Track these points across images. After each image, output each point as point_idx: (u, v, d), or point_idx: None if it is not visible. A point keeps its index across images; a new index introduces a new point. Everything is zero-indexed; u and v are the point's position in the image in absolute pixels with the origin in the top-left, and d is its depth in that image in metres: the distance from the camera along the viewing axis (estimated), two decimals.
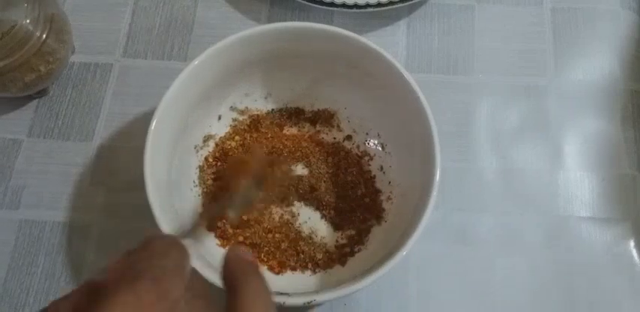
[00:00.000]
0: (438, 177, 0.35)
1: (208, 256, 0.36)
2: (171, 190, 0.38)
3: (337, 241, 0.41)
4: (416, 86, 0.37)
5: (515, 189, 0.43)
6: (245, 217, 0.40)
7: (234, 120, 0.44)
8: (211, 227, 0.40)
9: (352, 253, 0.40)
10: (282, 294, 0.33)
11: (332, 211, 0.42)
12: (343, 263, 0.40)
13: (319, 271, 0.39)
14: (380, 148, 0.44)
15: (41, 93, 0.46)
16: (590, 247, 0.42)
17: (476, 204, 0.43)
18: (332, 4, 0.46)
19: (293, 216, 0.42)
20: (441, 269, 0.41)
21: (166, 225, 0.33)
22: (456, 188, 0.43)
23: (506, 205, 0.43)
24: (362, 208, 0.42)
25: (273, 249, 0.40)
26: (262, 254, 0.40)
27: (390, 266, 0.32)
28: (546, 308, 0.40)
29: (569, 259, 0.41)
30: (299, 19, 0.49)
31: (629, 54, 0.48)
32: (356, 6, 0.46)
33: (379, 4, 0.46)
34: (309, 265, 0.39)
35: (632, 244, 0.42)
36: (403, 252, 0.33)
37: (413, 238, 0.33)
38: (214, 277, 0.32)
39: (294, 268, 0.39)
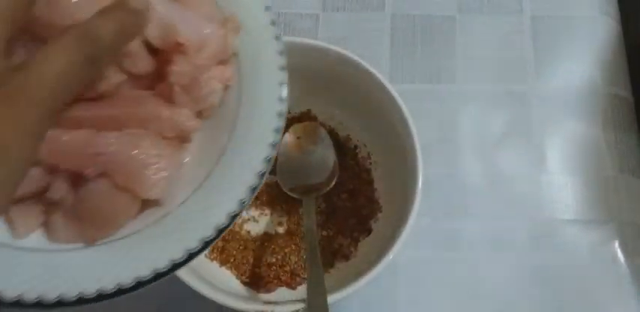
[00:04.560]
0: (420, 184, 0.36)
1: (198, 268, 0.37)
2: None
3: (326, 250, 0.42)
4: (397, 96, 0.38)
5: (500, 194, 0.44)
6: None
7: None
8: None
9: (341, 261, 0.41)
10: (270, 303, 0.34)
11: (320, 220, 0.42)
12: (332, 272, 0.41)
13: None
14: (366, 158, 0.44)
15: None
16: (575, 249, 0.42)
17: (462, 209, 0.44)
18: None
19: (278, 227, 0.42)
20: (429, 274, 0.42)
21: None
22: (442, 194, 0.44)
23: (492, 209, 0.44)
24: (350, 217, 0.42)
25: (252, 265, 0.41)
26: (243, 274, 0.41)
27: (375, 274, 0.33)
28: (534, 310, 0.41)
29: (555, 261, 0.42)
30: (284, 34, 0.50)
31: (608, 59, 0.49)
32: None
33: None
34: (297, 280, 0.40)
35: (616, 244, 0.43)
36: (389, 257, 0.34)
37: (397, 245, 0.34)
38: (205, 291, 0.33)
39: (279, 285, 0.40)
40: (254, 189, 0.24)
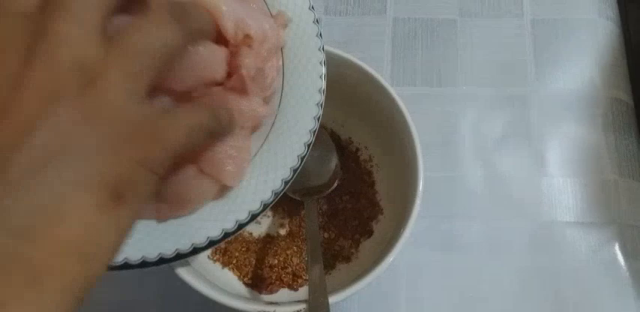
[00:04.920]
0: (421, 187, 0.36)
1: (201, 269, 0.37)
2: None
3: (327, 252, 0.42)
4: (398, 99, 0.39)
5: (500, 196, 0.45)
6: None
7: None
8: None
9: (342, 263, 0.41)
10: (271, 303, 0.34)
11: (321, 222, 0.43)
12: (333, 273, 0.41)
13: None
14: (367, 160, 0.45)
15: None
16: (575, 252, 0.43)
17: (462, 211, 0.44)
18: None
19: (279, 229, 0.43)
20: (429, 276, 0.42)
21: None
22: (442, 197, 0.44)
23: (492, 212, 0.44)
24: (351, 219, 0.43)
25: (254, 266, 0.41)
26: (245, 275, 0.41)
27: (376, 275, 0.33)
28: None
29: (555, 263, 0.42)
30: None
31: (608, 62, 0.49)
32: None
33: None
34: (299, 281, 0.40)
35: (616, 247, 0.43)
36: (389, 259, 0.34)
37: (397, 247, 0.34)
38: (208, 291, 0.33)
39: (281, 286, 0.40)
40: (295, 170, 0.28)
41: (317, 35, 0.30)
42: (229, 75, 0.26)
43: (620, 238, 0.43)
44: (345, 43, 0.50)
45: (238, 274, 0.41)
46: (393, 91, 0.39)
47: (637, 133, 0.48)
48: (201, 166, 0.25)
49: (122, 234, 0.19)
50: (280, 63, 0.29)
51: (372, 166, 0.45)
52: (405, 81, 0.49)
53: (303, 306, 0.33)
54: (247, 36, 0.26)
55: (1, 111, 0.17)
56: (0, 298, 0.15)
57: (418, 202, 0.36)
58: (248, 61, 0.26)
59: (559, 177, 0.45)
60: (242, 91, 0.26)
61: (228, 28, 0.25)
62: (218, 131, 0.23)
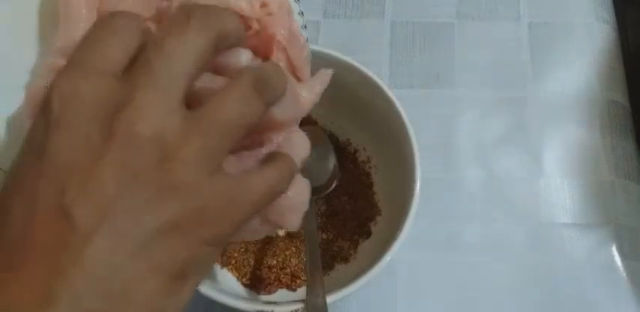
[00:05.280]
0: (418, 188, 0.36)
1: None
2: None
3: (326, 253, 0.42)
4: (396, 101, 0.39)
5: (498, 197, 0.45)
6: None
7: None
8: None
9: (341, 263, 0.42)
10: (270, 303, 0.34)
11: (320, 223, 0.43)
12: (331, 274, 0.41)
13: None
14: (365, 161, 0.45)
15: None
16: (572, 252, 0.43)
17: (460, 212, 0.44)
18: None
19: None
20: (428, 276, 0.42)
21: None
22: (441, 197, 0.45)
23: (490, 213, 0.44)
24: (349, 220, 0.43)
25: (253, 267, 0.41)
26: (244, 276, 0.41)
27: (373, 275, 0.34)
28: None
29: (553, 264, 0.43)
30: None
31: (605, 65, 0.50)
32: None
33: None
34: (297, 282, 0.41)
35: (613, 248, 0.43)
36: (387, 259, 0.34)
37: (394, 246, 0.34)
38: (208, 291, 0.33)
39: (280, 287, 0.41)
40: None
41: (301, 27, 0.30)
42: (269, 53, 0.26)
43: (617, 238, 0.43)
44: (344, 46, 0.50)
45: (237, 274, 0.41)
46: (391, 94, 0.39)
47: (633, 135, 0.48)
48: (265, 214, 0.24)
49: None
50: (297, 24, 0.28)
51: (370, 168, 0.45)
52: (404, 83, 0.49)
53: (301, 305, 0.33)
54: (264, 3, 0.25)
55: (83, 189, 0.17)
56: None
57: (415, 202, 0.36)
58: (278, 29, 0.25)
59: (556, 178, 0.46)
60: (289, 64, 0.25)
61: (244, 5, 0.24)
62: (286, 188, 0.23)
